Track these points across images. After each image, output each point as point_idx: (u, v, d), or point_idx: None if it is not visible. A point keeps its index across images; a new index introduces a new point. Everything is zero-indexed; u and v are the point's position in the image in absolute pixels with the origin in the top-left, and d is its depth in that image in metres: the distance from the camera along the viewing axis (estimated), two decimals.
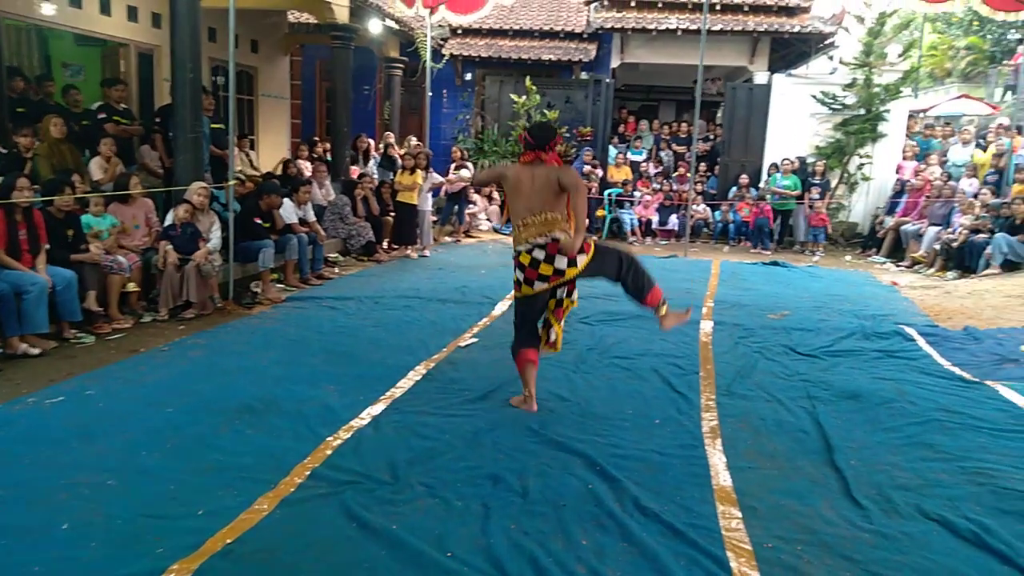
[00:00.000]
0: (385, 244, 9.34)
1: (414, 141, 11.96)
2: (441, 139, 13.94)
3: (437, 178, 9.79)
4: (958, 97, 18.09)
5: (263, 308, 6.22)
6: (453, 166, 10.81)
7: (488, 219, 12.16)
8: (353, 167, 9.91)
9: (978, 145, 11.21)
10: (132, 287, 5.71)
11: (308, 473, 3.15)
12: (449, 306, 6.41)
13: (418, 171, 9.02)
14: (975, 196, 9.67)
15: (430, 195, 9.58)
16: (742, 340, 5.67)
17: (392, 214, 9.29)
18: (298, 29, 12.14)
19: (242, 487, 3.00)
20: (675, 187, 12.58)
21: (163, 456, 3.28)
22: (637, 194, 12.34)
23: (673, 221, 12.24)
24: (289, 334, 5.38)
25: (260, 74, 11.55)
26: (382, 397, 4.10)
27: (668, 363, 4.95)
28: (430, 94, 11.59)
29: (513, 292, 4.12)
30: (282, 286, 7.06)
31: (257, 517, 2.78)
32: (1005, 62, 21.26)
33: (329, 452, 3.36)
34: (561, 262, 3.83)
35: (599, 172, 12.28)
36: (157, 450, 3.34)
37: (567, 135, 12.70)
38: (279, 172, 8.84)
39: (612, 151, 13.12)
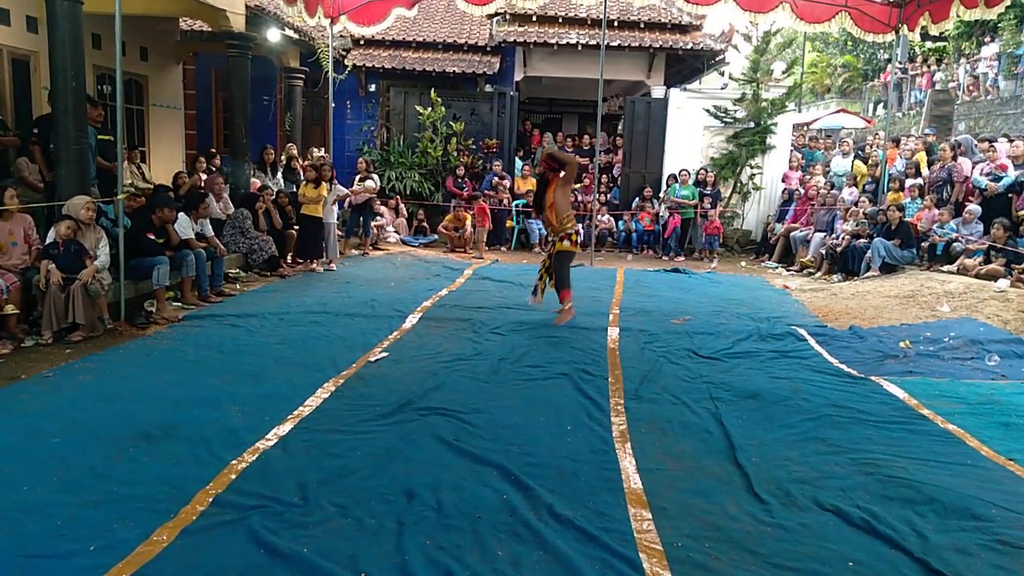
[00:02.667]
0: (289, 258, 9.08)
1: (317, 152, 11.69)
2: (346, 150, 13.69)
3: (342, 190, 9.60)
4: (837, 111, 19.37)
5: (158, 328, 5.90)
6: (358, 177, 10.62)
7: (396, 231, 12.02)
8: (254, 179, 9.58)
9: (857, 156, 12.02)
10: (11, 309, 5.30)
11: (211, 499, 3.00)
12: (358, 320, 6.29)
13: (322, 183, 8.82)
14: (855, 204, 10.36)
15: (335, 207, 9.38)
16: (647, 345, 5.82)
17: (295, 227, 9.04)
18: (191, 37, 11.65)
19: (139, 518, 2.83)
20: (580, 198, 12.83)
21: (48, 491, 3.05)
22: None
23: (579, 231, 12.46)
24: (188, 354, 5.13)
25: (151, 83, 11.00)
26: (289, 417, 3.96)
27: (578, 369, 5.02)
28: (333, 105, 11.38)
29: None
30: (179, 304, 6.73)
31: (156, 549, 2.62)
32: (876, 80, 22.93)
33: (233, 476, 3.22)
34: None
35: (507, 183, 12.38)
36: (41, 484, 3.10)
37: (473, 147, 12.75)
38: (186, 184, 8.47)
39: (518, 163, 13.25)
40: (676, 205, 12.01)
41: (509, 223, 12.40)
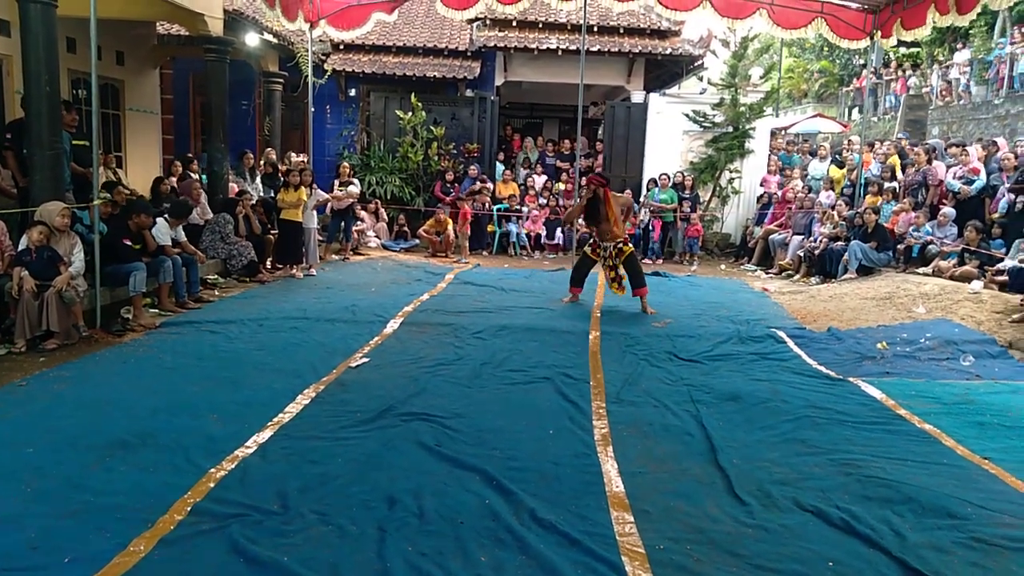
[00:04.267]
0: (268, 264, 9.02)
1: (296, 157, 11.62)
2: (325, 155, 13.64)
3: (322, 195, 9.55)
4: (814, 116, 19.54)
5: (135, 335, 5.83)
6: (338, 182, 10.57)
7: (376, 236, 11.98)
8: (233, 184, 9.50)
9: (834, 160, 12.16)
10: None
11: (189, 508, 2.96)
12: (338, 326, 6.26)
13: (302, 188, 8.77)
14: (832, 207, 10.48)
15: (315, 212, 9.34)
16: (629, 348, 5.86)
17: (275, 233, 8.98)
18: (168, 41, 11.53)
19: (115, 528, 2.78)
20: (561, 202, 12.87)
21: (22, 501, 2.99)
22: (525, 209, 12.54)
23: (559, 235, 12.51)
24: (165, 362, 5.07)
25: (127, 87, 10.87)
26: (269, 424, 3.92)
27: (560, 373, 5.03)
28: (313, 110, 11.32)
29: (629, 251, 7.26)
30: (156, 311, 6.64)
31: (133, 560, 2.58)
32: (852, 85, 23.23)
33: (212, 485, 3.18)
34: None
35: (489, 187, 12.39)
36: (14, 495, 3.04)
37: (454, 152, 12.75)
38: (167, 190, 8.39)
39: (499, 167, 13.27)
40: (656, 209, 12.08)
41: (490, 227, 12.40)
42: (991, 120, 15.99)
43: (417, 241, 12.12)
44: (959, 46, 18.69)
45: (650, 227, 12.13)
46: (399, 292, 8.01)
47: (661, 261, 11.92)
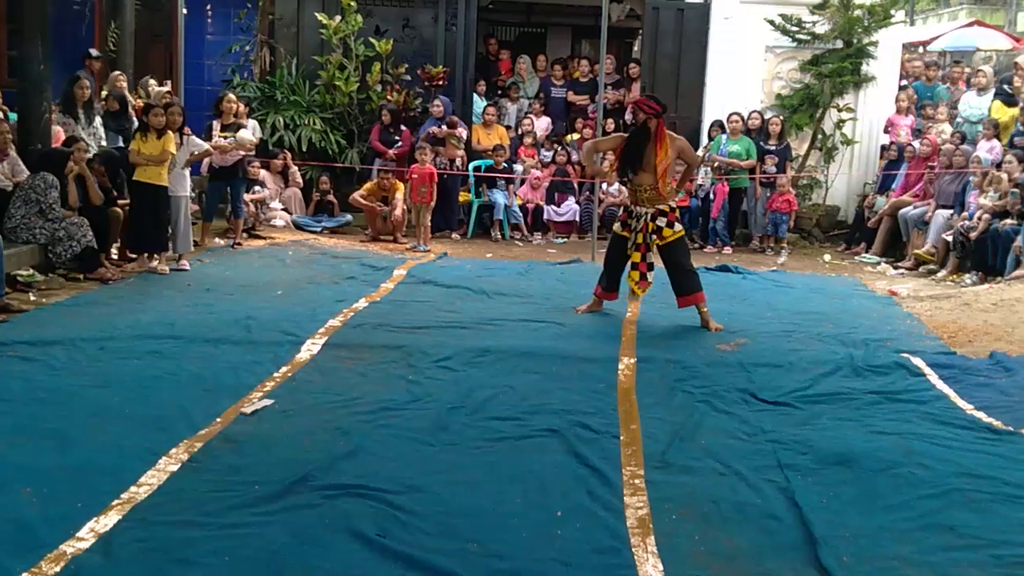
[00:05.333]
0: (115, 251, 8.96)
1: (158, 87, 11.57)
2: (205, 83, 13.60)
3: (199, 145, 9.52)
4: (969, 24, 19.69)
5: None
6: (220, 125, 10.50)
7: (285, 209, 11.96)
8: (57, 127, 9.45)
9: (999, 94, 12.24)
10: None
11: None
12: (226, 350, 6.23)
13: (167, 134, 8.74)
14: (997, 166, 10.54)
15: (187, 173, 9.31)
16: (680, 384, 5.84)
17: (124, 203, 8.95)
18: None
19: None
20: (574, 157, 12.88)
21: None
22: (518, 167, 12.54)
23: (572, 208, 12.52)
24: None
25: None
26: (116, 502, 3.90)
27: (573, 423, 5.01)
28: (185, 12, 11.29)
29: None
30: None
31: None
32: None
33: None
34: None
35: (462, 133, 12.39)
36: None
37: (408, 78, 12.74)
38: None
39: (479, 103, 13.27)
40: (724, 168, 12.12)
41: (464, 197, 12.39)
42: None
43: (350, 218, 12.09)
44: None
45: (711, 195, 12.16)
46: (321, 297, 7.97)
47: (730, 249, 11.95)
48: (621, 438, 4.87)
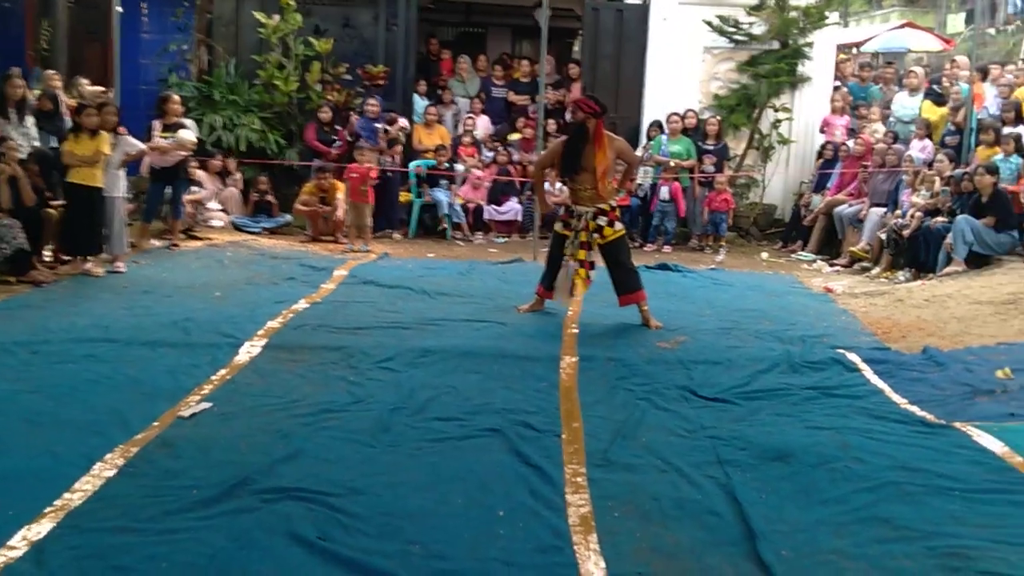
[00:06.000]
0: (48, 253, 8.82)
1: (92, 86, 11.37)
2: (141, 82, 13.36)
3: (134, 145, 9.39)
4: (900, 26, 20.05)
5: None
6: (160, 125, 10.35)
7: (224, 209, 11.83)
8: None
9: (929, 94, 12.49)
10: None
11: None
12: (163, 352, 6.16)
13: (102, 134, 8.61)
14: (929, 165, 10.75)
15: (123, 173, 9.18)
16: (621, 382, 5.88)
17: (58, 204, 8.80)
18: None
19: None
20: (516, 157, 12.90)
21: None
22: (459, 167, 12.53)
23: (514, 208, 12.54)
24: None
25: None
26: (49, 509, 3.83)
27: (515, 422, 5.02)
28: (120, 10, 11.11)
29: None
30: None
31: None
32: None
33: None
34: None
35: (402, 127, 12.34)
36: None
37: (348, 78, 12.66)
38: None
39: (419, 102, 13.24)
40: (663, 167, 12.21)
41: (405, 196, 12.36)
42: None
43: (290, 218, 12.00)
44: None
45: (652, 195, 12.25)
46: (260, 298, 7.90)
47: (670, 248, 12.04)
48: (563, 436, 4.87)
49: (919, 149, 11.24)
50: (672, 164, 12.19)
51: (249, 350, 6.29)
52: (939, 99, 12.10)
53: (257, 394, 5.42)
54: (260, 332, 6.71)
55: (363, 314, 7.48)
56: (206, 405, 5.17)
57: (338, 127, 12.24)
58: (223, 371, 5.83)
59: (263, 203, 12.10)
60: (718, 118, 12.68)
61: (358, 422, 4.99)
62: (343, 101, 12.48)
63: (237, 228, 11.62)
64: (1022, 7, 20.03)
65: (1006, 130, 10.46)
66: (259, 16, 12.38)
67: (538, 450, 4.65)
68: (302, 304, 7.73)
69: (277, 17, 12.31)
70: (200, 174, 11.60)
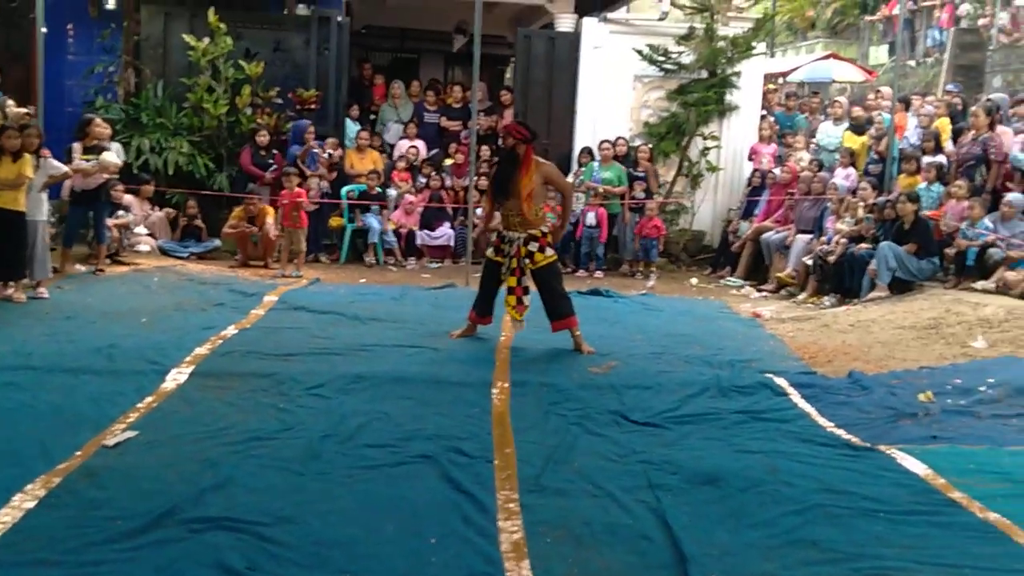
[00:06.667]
0: None
1: (15, 107, 11.14)
2: (65, 103, 13.16)
3: (57, 167, 9.22)
4: (825, 57, 20.53)
5: None
6: (79, 148, 10.17)
7: (151, 234, 11.65)
8: None
9: (851, 124, 12.79)
10: None
11: None
12: (86, 380, 6.05)
13: (24, 156, 8.45)
14: (853, 193, 10.98)
15: (45, 196, 9.01)
16: (553, 407, 5.90)
17: None
18: None
19: None
20: (448, 182, 12.92)
21: None
22: (392, 192, 12.50)
23: (447, 233, 12.54)
24: None
25: None
26: None
27: (448, 448, 5.01)
28: (44, 30, 10.92)
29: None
30: None
31: None
32: (879, 13, 24.48)
33: None
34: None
35: (333, 154, 12.31)
36: None
37: (279, 102, 12.59)
38: None
39: (351, 127, 13.20)
40: (594, 194, 12.31)
41: (336, 221, 12.29)
42: None
43: (219, 243, 11.86)
44: None
45: (586, 221, 12.34)
46: (187, 324, 7.80)
47: (602, 273, 12.11)
48: (496, 462, 4.87)
49: (843, 177, 11.48)
50: (602, 190, 12.30)
51: (176, 377, 6.20)
52: (859, 128, 12.39)
53: (184, 422, 5.34)
54: (188, 359, 6.62)
55: (294, 340, 7.41)
56: (131, 434, 5.08)
57: (275, 151, 12.16)
58: (149, 399, 5.73)
59: (191, 228, 11.95)
60: (648, 145, 12.84)
61: (288, 450, 4.94)
62: (274, 125, 12.39)
63: (165, 253, 11.45)
64: (940, 41, 20.60)
65: (927, 159, 10.74)
66: (188, 39, 12.25)
67: (470, 476, 4.64)
68: (231, 330, 7.64)
69: (207, 40, 12.21)
70: (127, 198, 11.43)
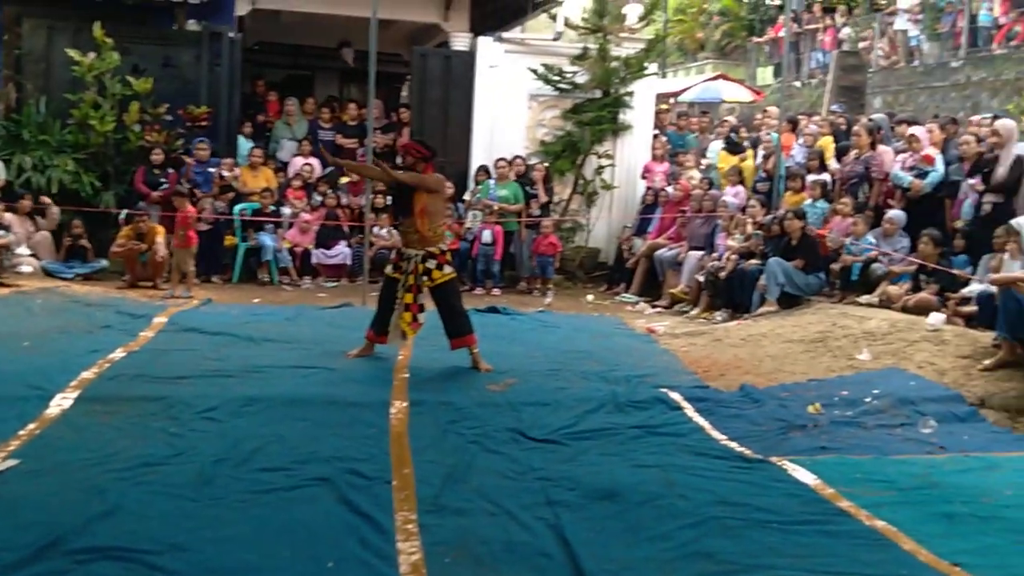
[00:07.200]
0: None
1: None
2: None
3: None
4: (714, 77, 21.07)
5: None
6: None
7: (34, 254, 11.29)
8: None
9: (727, 142, 13.14)
10: None
11: None
12: None
13: None
14: (742, 210, 11.25)
15: None
16: (452, 425, 5.89)
17: None
18: None
19: None
20: (344, 200, 12.82)
21: None
22: (286, 211, 12.36)
23: (343, 251, 12.44)
24: None
25: None
26: None
27: (345, 470, 4.96)
28: None
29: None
30: None
31: None
32: (766, 35, 25.22)
33: None
34: None
35: (232, 174, 12.11)
36: None
37: (169, 118, 12.35)
38: None
39: (244, 144, 13.02)
40: (490, 211, 12.35)
41: (229, 240, 12.08)
42: (948, 89, 17.98)
43: (106, 263, 11.55)
44: None
45: (482, 239, 12.37)
46: (73, 347, 7.57)
47: (499, 291, 12.15)
48: (394, 483, 4.84)
49: (733, 195, 11.76)
50: (497, 208, 12.35)
51: (60, 403, 6.01)
52: (734, 148, 12.69)
53: (70, 449, 5.18)
54: (73, 383, 6.42)
55: (184, 362, 7.25)
56: (13, 462, 4.92)
57: (170, 170, 11.91)
58: (32, 425, 5.55)
59: (77, 248, 11.61)
60: (544, 163, 12.94)
61: (179, 475, 4.84)
62: (163, 142, 12.15)
63: (49, 274, 11.08)
64: (823, 62, 21.33)
65: (812, 177, 11.06)
66: (73, 53, 11.92)
67: (368, 498, 4.61)
68: (119, 353, 7.43)
69: (93, 55, 11.91)
70: (8, 217, 11.05)
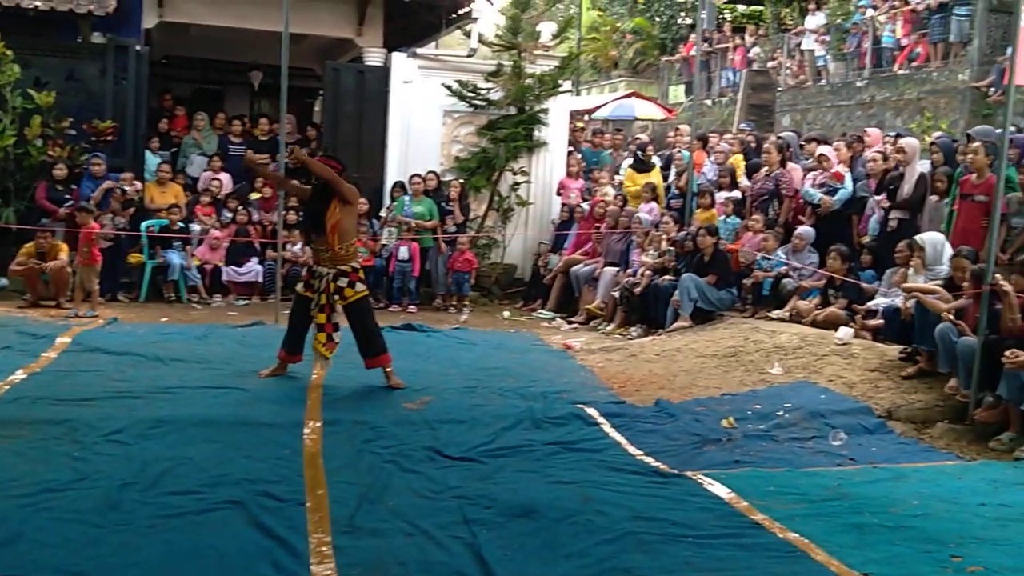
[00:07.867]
0: None
1: None
2: None
3: None
4: (628, 95, 21.34)
5: None
6: None
7: None
8: None
9: (635, 160, 13.28)
10: None
11: None
12: None
13: None
14: (656, 226, 11.39)
15: None
16: (367, 445, 5.85)
17: None
18: None
19: None
20: (255, 217, 12.65)
21: None
22: (195, 227, 12.15)
23: (254, 269, 12.27)
24: None
25: None
26: None
27: (257, 492, 4.90)
28: None
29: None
30: None
31: None
32: (678, 53, 25.63)
33: None
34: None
35: (133, 189, 11.87)
36: None
37: (73, 133, 12.07)
38: None
39: (151, 159, 12.79)
40: (406, 228, 12.31)
41: (136, 258, 11.83)
42: (853, 107, 18.50)
43: (5, 282, 11.22)
44: (811, 6, 21.45)
45: (398, 255, 12.32)
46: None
47: (415, 308, 12.10)
48: (307, 505, 4.79)
49: (647, 211, 11.90)
50: (414, 225, 12.32)
51: None
52: (641, 165, 12.84)
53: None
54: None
55: (89, 384, 7.09)
56: None
57: (73, 186, 11.63)
58: None
59: None
60: (459, 179, 12.96)
61: (84, 500, 4.72)
62: (67, 157, 11.86)
63: None
64: (734, 81, 21.80)
65: (723, 194, 11.25)
66: None
67: (281, 521, 4.55)
68: (19, 375, 7.24)
69: None
70: None
